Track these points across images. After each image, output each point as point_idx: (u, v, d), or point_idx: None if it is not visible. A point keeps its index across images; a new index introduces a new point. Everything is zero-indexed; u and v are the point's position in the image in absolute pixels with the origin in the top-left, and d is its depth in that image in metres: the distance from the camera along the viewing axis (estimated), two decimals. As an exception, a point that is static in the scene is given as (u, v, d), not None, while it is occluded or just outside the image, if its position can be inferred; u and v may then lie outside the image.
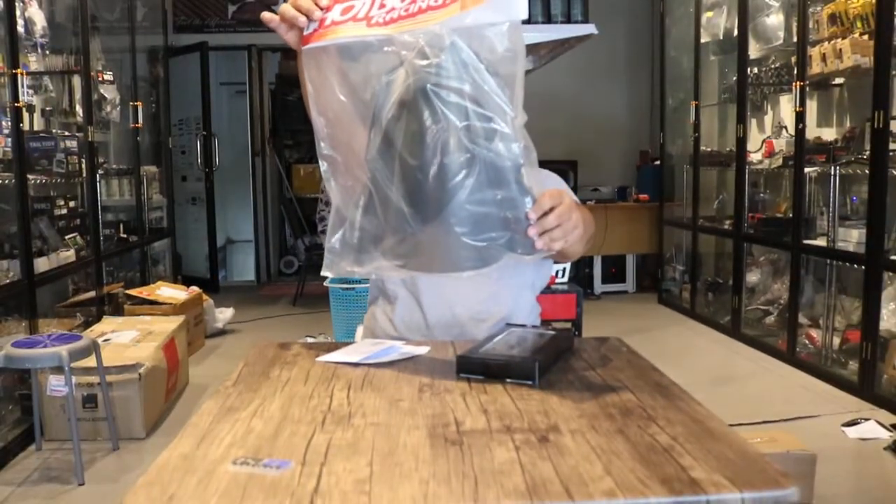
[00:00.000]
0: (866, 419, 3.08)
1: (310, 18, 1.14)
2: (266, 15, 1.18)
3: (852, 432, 2.98)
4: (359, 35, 1.11)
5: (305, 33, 1.15)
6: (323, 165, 1.17)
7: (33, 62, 3.62)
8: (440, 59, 1.02)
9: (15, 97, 3.02)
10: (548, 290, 3.05)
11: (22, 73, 3.09)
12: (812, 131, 4.06)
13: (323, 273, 1.17)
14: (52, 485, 2.58)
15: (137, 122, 4.85)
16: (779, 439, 2.27)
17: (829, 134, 4.12)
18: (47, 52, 3.72)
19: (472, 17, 1.03)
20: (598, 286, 6.00)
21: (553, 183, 1.48)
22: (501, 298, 1.46)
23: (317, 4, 1.13)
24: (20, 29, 3.28)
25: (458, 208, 1.02)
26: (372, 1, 1.12)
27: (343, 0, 1.14)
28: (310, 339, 3.34)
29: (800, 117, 3.91)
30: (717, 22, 5.00)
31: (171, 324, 3.63)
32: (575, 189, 5.65)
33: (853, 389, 3.47)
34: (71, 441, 2.65)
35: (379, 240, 1.09)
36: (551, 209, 1.04)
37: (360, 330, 1.62)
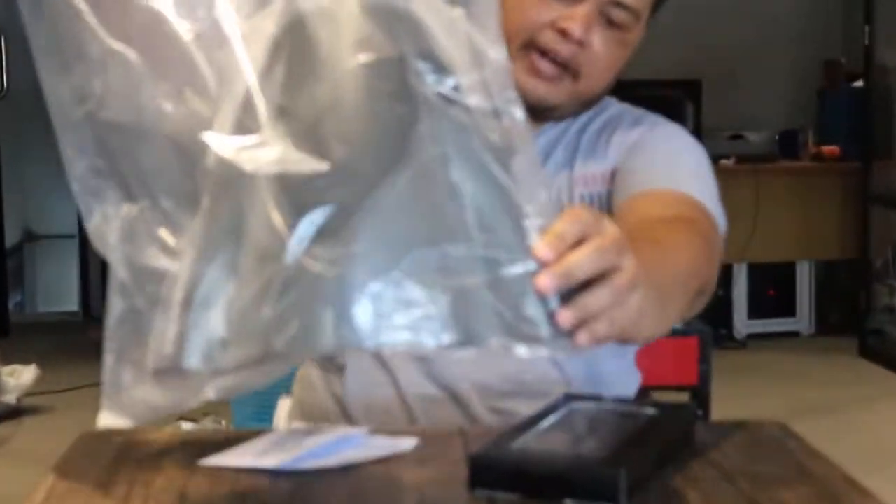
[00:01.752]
0: None
1: None
2: None
3: None
4: None
5: None
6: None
7: None
8: None
9: None
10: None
11: None
12: None
13: (102, 423, 1.04)
14: None
15: None
16: None
17: None
18: None
19: None
20: (743, 322, 5.97)
21: (671, 144, 1.50)
22: (547, 363, 1.48)
23: None
24: None
25: (376, 235, 0.96)
26: None
27: None
28: (186, 425, 3.31)
29: None
30: None
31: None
32: (697, 133, 5.53)
33: None
34: None
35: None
36: (579, 242, 0.91)
37: (283, 405, 1.62)
